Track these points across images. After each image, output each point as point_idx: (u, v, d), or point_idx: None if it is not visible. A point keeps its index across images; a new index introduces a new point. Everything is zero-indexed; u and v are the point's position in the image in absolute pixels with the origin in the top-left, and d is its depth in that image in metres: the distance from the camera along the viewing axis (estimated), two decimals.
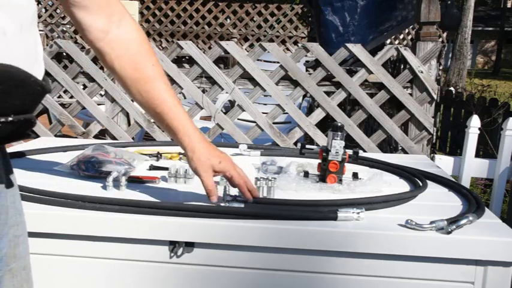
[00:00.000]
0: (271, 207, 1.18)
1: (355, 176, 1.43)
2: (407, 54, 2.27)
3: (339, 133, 1.36)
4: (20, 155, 1.60)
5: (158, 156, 1.63)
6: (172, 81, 2.32)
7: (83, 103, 2.41)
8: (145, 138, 3.51)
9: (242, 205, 1.14)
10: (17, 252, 0.80)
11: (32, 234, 1.05)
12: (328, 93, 2.33)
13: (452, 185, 1.43)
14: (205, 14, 8.62)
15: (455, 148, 4.94)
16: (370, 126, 2.77)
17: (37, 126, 2.37)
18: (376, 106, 2.29)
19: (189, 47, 2.33)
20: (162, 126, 1.13)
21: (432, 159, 2.11)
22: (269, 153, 1.72)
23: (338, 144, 1.36)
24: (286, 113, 2.37)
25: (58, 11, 8.27)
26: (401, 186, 1.44)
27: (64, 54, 4.30)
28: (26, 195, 1.16)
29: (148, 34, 8.45)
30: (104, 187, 1.28)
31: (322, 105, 2.32)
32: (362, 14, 2.98)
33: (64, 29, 8.32)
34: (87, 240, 1.12)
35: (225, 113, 2.41)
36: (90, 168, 1.38)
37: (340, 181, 1.38)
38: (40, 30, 4.45)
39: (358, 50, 2.27)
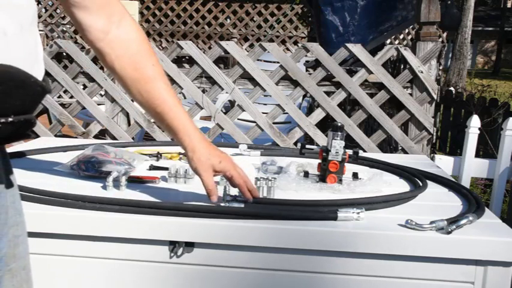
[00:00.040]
0: (271, 207, 1.18)
1: (355, 176, 1.43)
2: (407, 54, 2.27)
3: (339, 133, 1.36)
4: (20, 155, 1.60)
5: (158, 156, 1.63)
6: (172, 81, 2.32)
7: (83, 103, 2.41)
8: (145, 138, 3.51)
9: (242, 205, 1.14)
10: (16, 252, 0.80)
11: (32, 234, 1.05)
12: (328, 93, 2.33)
13: (452, 185, 1.43)
14: (205, 14, 8.62)
15: (455, 148, 4.94)
16: (370, 126, 2.77)
17: (37, 126, 2.37)
18: (376, 106, 2.29)
19: (189, 47, 2.33)
20: (163, 126, 1.13)
21: (432, 159, 2.11)
22: (269, 153, 1.72)
23: (338, 144, 1.36)
24: (286, 113, 2.37)
25: (58, 11, 8.27)
26: (401, 186, 1.44)
27: (64, 54, 4.30)
28: (26, 195, 1.16)
29: (148, 34, 8.45)
30: (104, 187, 1.28)
31: (322, 105, 2.32)
32: (362, 14, 2.98)
33: (64, 29, 8.32)
34: (87, 240, 1.12)
35: (225, 113, 2.41)
36: (90, 168, 1.38)
37: (340, 181, 1.38)
38: (40, 30, 4.45)
39: (358, 50, 2.27)
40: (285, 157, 1.59)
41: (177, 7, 8.67)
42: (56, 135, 2.45)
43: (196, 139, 1.10)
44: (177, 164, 1.40)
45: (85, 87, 2.46)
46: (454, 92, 5.50)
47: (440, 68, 2.41)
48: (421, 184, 1.40)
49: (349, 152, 1.39)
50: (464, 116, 4.77)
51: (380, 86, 2.31)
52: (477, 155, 2.23)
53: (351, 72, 2.38)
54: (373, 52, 2.36)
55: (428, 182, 1.44)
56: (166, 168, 1.43)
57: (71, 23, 7.49)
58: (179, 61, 3.59)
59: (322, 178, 1.39)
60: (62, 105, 2.52)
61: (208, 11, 8.61)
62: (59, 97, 5.14)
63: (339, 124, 1.37)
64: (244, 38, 8.63)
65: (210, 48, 7.72)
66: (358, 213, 1.11)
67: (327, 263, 1.09)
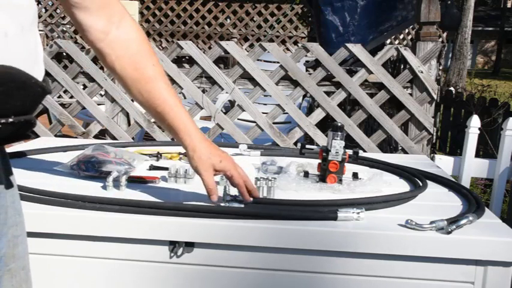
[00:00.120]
0: (271, 207, 1.18)
1: (355, 176, 1.43)
2: (407, 54, 2.27)
3: (339, 133, 1.36)
4: (20, 155, 1.60)
5: (158, 156, 1.63)
6: (172, 81, 2.32)
7: (83, 103, 2.41)
8: (145, 138, 3.51)
9: (242, 205, 1.14)
10: (16, 252, 0.80)
11: (32, 234, 1.05)
12: (328, 93, 2.33)
13: (452, 185, 1.43)
14: (205, 14, 8.62)
15: (455, 148, 4.94)
16: (370, 126, 2.77)
17: (37, 126, 2.37)
18: (376, 106, 2.29)
19: (189, 47, 2.33)
20: (163, 126, 1.13)
21: (432, 159, 2.11)
22: (269, 153, 1.72)
23: (338, 144, 1.36)
24: (286, 113, 2.37)
25: (58, 11, 8.27)
26: (401, 186, 1.44)
27: (64, 54, 4.31)
28: (26, 195, 1.16)
29: (148, 34, 8.45)
30: (104, 187, 1.28)
31: (322, 105, 2.32)
32: (362, 14, 2.98)
33: (64, 29, 8.32)
34: (87, 240, 1.12)
35: (225, 113, 2.41)
36: (90, 168, 1.38)
37: (340, 181, 1.38)
38: (40, 30, 4.45)
39: (358, 50, 2.27)
40: (285, 157, 1.59)
41: (177, 7, 8.67)
42: (56, 135, 2.45)
43: (197, 138, 1.10)
44: (177, 164, 1.41)
45: (85, 87, 2.46)
46: (454, 92, 5.50)
47: (440, 68, 2.41)
48: (421, 184, 1.40)
49: (349, 152, 1.39)
50: (464, 116, 4.77)
51: (380, 86, 2.31)
52: (477, 155, 2.23)
53: (351, 72, 2.38)
54: (373, 52, 2.36)
55: (428, 182, 1.44)
56: (166, 168, 1.43)
57: (71, 23, 7.50)
58: (179, 61, 3.59)
59: (322, 178, 1.39)
60: (62, 105, 2.52)
61: (208, 11, 8.61)
62: (59, 97, 5.14)
63: (339, 124, 1.37)
64: (244, 38, 8.63)
65: (210, 48, 7.72)
66: (358, 213, 1.11)
67: (327, 263, 1.09)
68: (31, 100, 0.72)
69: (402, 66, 2.49)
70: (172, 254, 1.11)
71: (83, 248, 1.13)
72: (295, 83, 2.34)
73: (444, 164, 2.16)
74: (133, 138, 2.47)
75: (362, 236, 1.07)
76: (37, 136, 2.25)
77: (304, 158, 1.64)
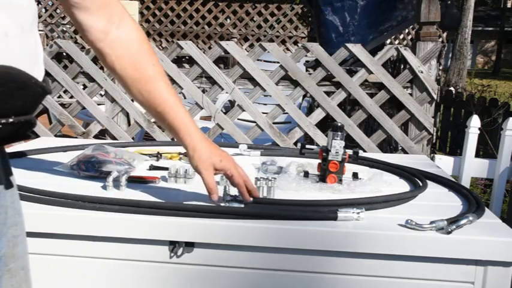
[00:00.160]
0: (271, 207, 1.18)
1: (355, 176, 1.43)
2: (407, 54, 2.27)
3: (339, 133, 1.36)
4: (20, 155, 1.60)
5: (158, 156, 1.63)
6: (172, 81, 2.32)
7: (83, 103, 2.41)
8: (145, 138, 3.51)
9: (242, 205, 1.14)
10: (15, 252, 0.80)
11: (32, 234, 1.05)
12: (328, 93, 2.34)
13: (452, 185, 1.43)
14: (205, 14, 8.62)
15: (455, 148, 4.94)
16: (370, 126, 2.77)
17: (37, 126, 2.37)
18: (376, 106, 2.29)
19: (189, 47, 2.33)
20: (164, 126, 1.13)
21: (432, 159, 2.11)
22: (269, 153, 1.72)
23: (338, 144, 1.36)
24: (286, 113, 2.37)
25: (58, 11, 8.27)
26: (401, 186, 1.44)
27: (64, 54, 4.31)
28: (26, 195, 1.16)
29: (148, 34, 8.45)
30: (104, 187, 1.28)
31: (322, 105, 2.32)
32: (362, 14, 2.98)
33: (64, 29, 8.32)
34: (87, 240, 1.12)
35: (225, 113, 2.41)
36: (90, 168, 1.38)
37: (340, 181, 1.38)
38: (40, 30, 4.45)
39: (358, 50, 2.27)
40: (285, 157, 1.59)
41: (177, 7, 8.67)
42: (56, 135, 2.44)
43: (197, 138, 1.10)
44: (177, 164, 1.41)
45: (85, 87, 2.46)
46: (454, 92, 5.50)
47: (440, 68, 2.41)
48: (421, 184, 1.40)
49: (349, 152, 1.39)
50: (464, 116, 4.77)
51: (380, 86, 2.31)
52: (477, 155, 2.23)
53: (351, 72, 2.38)
54: (373, 52, 2.36)
55: (428, 182, 1.44)
56: (166, 168, 1.43)
57: (71, 23, 7.50)
58: (179, 61, 3.59)
59: (322, 178, 1.39)
60: (62, 105, 2.52)
61: (208, 11, 8.61)
62: (59, 97, 5.14)
63: (339, 124, 1.37)
64: (244, 38, 8.63)
65: (210, 48, 7.72)
66: (358, 213, 1.11)
67: (327, 263, 1.09)
68: (31, 100, 0.72)
69: (402, 66, 2.49)
70: (172, 254, 1.11)
71: (83, 248, 1.13)
72: (295, 83, 2.34)
73: (444, 164, 2.16)
74: (133, 138, 2.47)
75: (362, 236, 1.07)
76: (37, 136, 2.25)
77: (304, 158, 1.64)
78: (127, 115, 2.49)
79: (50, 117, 4.33)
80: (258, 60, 2.40)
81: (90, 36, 1.04)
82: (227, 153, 1.15)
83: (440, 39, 2.37)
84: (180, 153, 1.66)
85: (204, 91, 2.39)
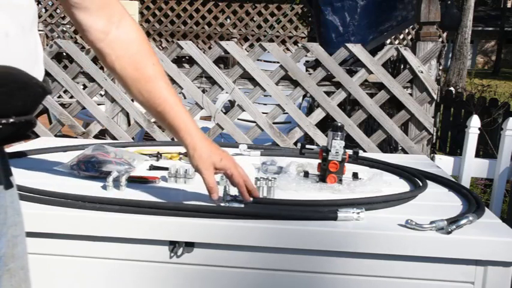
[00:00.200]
0: (271, 207, 1.18)
1: (355, 176, 1.43)
2: (407, 54, 2.27)
3: (339, 133, 1.36)
4: (21, 155, 1.60)
5: (158, 156, 1.63)
6: (173, 81, 2.32)
7: (83, 103, 2.41)
8: (145, 138, 3.51)
9: (242, 205, 1.14)
10: (15, 252, 0.80)
11: (32, 234, 1.05)
12: (328, 93, 2.33)
13: (452, 185, 1.43)
14: (205, 14, 8.62)
15: (455, 148, 4.94)
16: (370, 126, 2.77)
17: (37, 126, 2.37)
18: (376, 106, 2.29)
19: (189, 47, 2.33)
20: (164, 125, 1.13)
21: (432, 159, 2.11)
22: (269, 153, 1.72)
23: (338, 144, 1.36)
24: (286, 113, 2.37)
25: (58, 11, 8.27)
26: (401, 186, 1.44)
27: (64, 54, 4.31)
28: (26, 195, 1.16)
29: (148, 34, 8.45)
30: (104, 187, 1.28)
31: (322, 105, 2.32)
32: (362, 14, 2.98)
33: (64, 29, 8.32)
34: (87, 240, 1.12)
35: (225, 113, 2.41)
36: (90, 168, 1.38)
37: (340, 181, 1.38)
38: (40, 30, 4.44)
39: (358, 50, 2.27)
40: (285, 157, 1.59)
41: (177, 7, 8.67)
42: (56, 135, 2.44)
43: (197, 137, 1.11)
44: (177, 164, 1.41)
45: (85, 87, 2.46)
46: (454, 92, 5.50)
47: (440, 68, 2.41)
48: (421, 184, 1.40)
49: (349, 152, 1.39)
50: (464, 116, 4.77)
51: (380, 86, 2.31)
52: (477, 155, 2.23)
53: (351, 72, 2.38)
54: (373, 52, 2.36)
55: (428, 182, 1.44)
56: (166, 168, 1.43)
57: (71, 23, 7.50)
58: (179, 61, 3.59)
59: (322, 178, 1.39)
60: (62, 105, 2.52)
61: (208, 11, 8.61)
62: (59, 97, 5.14)
63: (339, 124, 1.37)
64: (244, 38, 8.62)
65: (210, 48, 7.72)
66: (358, 213, 1.11)
67: (327, 263, 1.09)
68: (32, 100, 0.73)
69: (402, 66, 2.49)
70: (172, 254, 1.11)
71: (83, 248, 1.13)
72: (295, 83, 2.34)
73: (444, 164, 2.16)
74: (133, 138, 2.47)
75: (362, 236, 1.07)
76: (37, 136, 2.25)
77: (304, 158, 1.64)
78: (127, 115, 2.49)
79: (50, 117, 4.33)
80: (258, 60, 2.40)
81: (90, 36, 1.04)
82: (227, 153, 1.15)
83: (440, 39, 2.37)
84: (180, 153, 1.66)
85: (204, 91, 2.39)
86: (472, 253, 1.06)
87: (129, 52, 1.07)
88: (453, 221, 1.09)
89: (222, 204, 1.15)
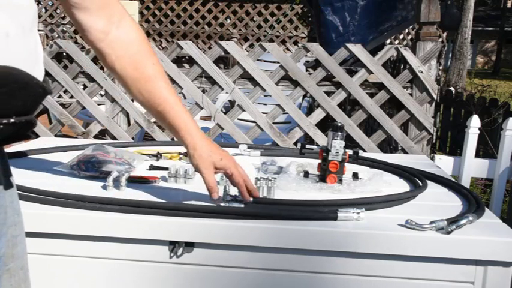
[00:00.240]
0: (271, 207, 1.18)
1: (355, 176, 1.43)
2: (407, 54, 2.27)
3: (339, 133, 1.36)
4: (21, 155, 1.60)
5: (158, 156, 1.63)
6: (173, 81, 2.32)
7: (83, 103, 2.41)
8: (145, 138, 3.51)
9: (242, 205, 1.14)
10: (15, 252, 0.80)
11: (32, 234, 1.05)
12: (328, 93, 2.34)
13: (452, 185, 1.43)
14: (205, 14, 8.62)
15: (455, 148, 4.94)
16: (370, 126, 2.77)
17: (37, 126, 2.37)
18: (376, 106, 2.29)
19: (189, 47, 2.33)
20: (164, 125, 1.13)
21: (432, 159, 2.11)
22: (269, 153, 1.72)
23: (338, 144, 1.36)
24: (286, 113, 2.37)
25: (58, 11, 8.27)
26: (401, 186, 1.44)
27: (64, 54, 4.30)
28: (26, 195, 1.16)
29: (148, 34, 8.45)
30: (104, 187, 1.28)
31: (322, 105, 2.32)
32: (362, 14, 2.98)
33: (64, 29, 8.32)
34: (87, 240, 1.12)
35: (225, 113, 2.41)
36: (90, 168, 1.38)
37: (340, 181, 1.38)
38: (40, 30, 4.45)
39: (358, 50, 2.27)
40: (285, 157, 1.59)
41: (177, 7, 8.67)
42: (56, 135, 2.45)
43: (197, 137, 1.11)
44: (177, 164, 1.41)
45: (85, 87, 2.46)
46: (454, 92, 5.50)
47: (440, 68, 2.41)
48: (421, 184, 1.40)
49: (349, 152, 1.39)
50: (464, 116, 4.77)
51: (380, 86, 2.31)
52: (477, 155, 2.23)
53: (351, 72, 2.38)
54: (373, 52, 2.36)
55: (428, 182, 1.44)
56: (166, 168, 1.43)
57: (71, 23, 7.49)
58: (179, 61, 3.59)
59: (322, 178, 1.39)
60: (62, 105, 2.52)
61: (208, 11, 8.61)
62: (59, 97, 5.14)
63: (339, 124, 1.37)
64: (244, 38, 8.62)
65: (210, 48, 7.71)
66: (358, 213, 1.11)
67: (327, 263, 1.09)
68: (32, 100, 0.73)
69: (402, 66, 2.49)
70: (172, 254, 1.11)
71: (83, 248, 1.13)
72: (295, 83, 2.34)
73: (444, 164, 2.16)
74: (133, 138, 2.47)
75: (362, 236, 1.07)
76: (37, 136, 2.25)
77: (304, 158, 1.64)
78: (127, 115, 2.49)
79: (50, 117, 4.33)
80: (258, 60, 2.40)
81: (90, 36, 1.04)
82: (227, 153, 1.15)
83: (440, 39, 2.37)
84: (180, 153, 1.66)
85: (204, 91, 2.39)
86: (472, 253, 1.06)
87: (129, 52, 1.07)
88: (453, 221, 1.09)
89: (222, 204, 1.15)
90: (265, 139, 2.66)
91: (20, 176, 1.34)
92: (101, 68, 2.39)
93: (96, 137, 2.48)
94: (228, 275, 1.12)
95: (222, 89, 2.35)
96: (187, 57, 3.64)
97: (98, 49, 1.06)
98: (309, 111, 3.49)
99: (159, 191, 1.28)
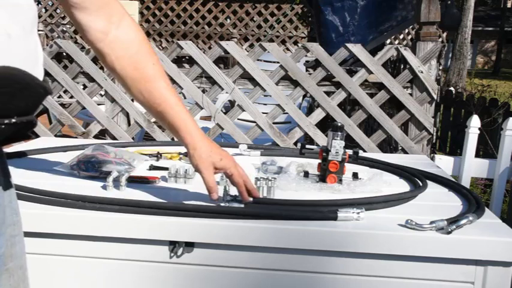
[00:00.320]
0: (271, 207, 1.18)
1: (355, 176, 1.43)
2: (407, 54, 2.27)
3: (339, 133, 1.36)
4: (21, 155, 1.60)
5: (158, 156, 1.63)
6: (173, 81, 2.32)
7: (83, 103, 2.41)
8: (145, 138, 3.51)
9: (242, 205, 1.14)
10: (13, 251, 0.80)
11: (32, 234, 1.06)
12: (328, 93, 2.34)
13: (452, 185, 1.43)
14: (205, 14, 8.62)
15: (455, 148, 4.94)
16: (370, 126, 2.77)
17: (37, 126, 2.37)
18: (376, 106, 2.29)
19: (189, 47, 2.33)
20: (164, 125, 1.13)
21: (432, 159, 2.11)
22: (269, 153, 1.72)
23: (338, 144, 1.36)
24: (286, 113, 2.37)
25: (58, 11, 8.27)
26: (401, 186, 1.44)
27: (64, 54, 4.30)
28: (26, 195, 1.16)
29: (148, 34, 8.45)
30: (104, 187, 1.28)
31: (322, 105, 2.32)
32: (362, 14, 2.98)
33: (64, 29, 8.32)
34: (87, 240, 1.12)
35: (225, 113, 2.41)
36: (90, 168, 1.38)
37: (340, 181, 1.38)
38: (40, 30, 4.45)
39: (358, 50, 2.27)
40: (285, 157, 1.59)
41: (177, 7, 8.67)
42: (56, 135, 2.45)
43: (197, 137, 1.11)
44: (177, 164, 1.41)
45: (85, 87, 2.46)
46: (454, 92, 5.50)
47: (440, 68, 2.40)
48: (421, 184, 1.40)
49: (349, 152, 1.39)
50: (464, 116, 4.77)
51: (380, 86, 2.31)
52: (477, 155, 2.23)
53: (351, 72, 2.38)
54: (373, 52, 2.36)
55: (428, 182, 1.44)
56: (166, 168, 1.43)
57: (71, 23, 7.49)
58: (179, 61, 3.59)
59: (322, 178, 1.39)
60: (62, 105, 2.52)
61: (208, 11, 8.61)
62: (59, 97, 5.14)
63: (339, 124, 1.37)
64: (244, 38, 8.63)
65: (210, 48, 7.72)
66: (358, 213, 1.11)
67: (327, 263, 1.09)
68: (34, 101, 0.73)
69: (402, 66, 2.49)
70: (172, 254, 1.11)
71: (83, 248, 1.13)
72: (295, 83, 2.34)
73: (444, 164, 2.16)
74: (133, 138, 2.47)
75: (362, 236, 1.07)
76: (37, 136, 2.25)
77: (304, 158, 1.64)
78: (127, 115, 2.49)
79: (50, 117, 4.33)
80: (258, 60, 2.40)
81: (89, 36, 1.04)
82: (227, 153, 1.15)
83: (440, 39, 2.37)
84: (180, 153, 1.66)
85: (204, 91, 2.39)
86: (472, 253, 1.06)
87: (129, 52, 1.07)
88: (453, 221, 1.09)
89: (222, 204, 1.15)
90: (265, 139, 2.66)
91: (20, 176, 1.34)
92: (101, 68, 2.39)
93: (96, 137, 2.48)
94: (228, 275, 1.12)
95: (222, 89, 2.35)
96: (187, 57, 3.64)
97: (97, 49, 1.06)
98: (309, 111, 3.49)
99: (159, 191, 1.28)
